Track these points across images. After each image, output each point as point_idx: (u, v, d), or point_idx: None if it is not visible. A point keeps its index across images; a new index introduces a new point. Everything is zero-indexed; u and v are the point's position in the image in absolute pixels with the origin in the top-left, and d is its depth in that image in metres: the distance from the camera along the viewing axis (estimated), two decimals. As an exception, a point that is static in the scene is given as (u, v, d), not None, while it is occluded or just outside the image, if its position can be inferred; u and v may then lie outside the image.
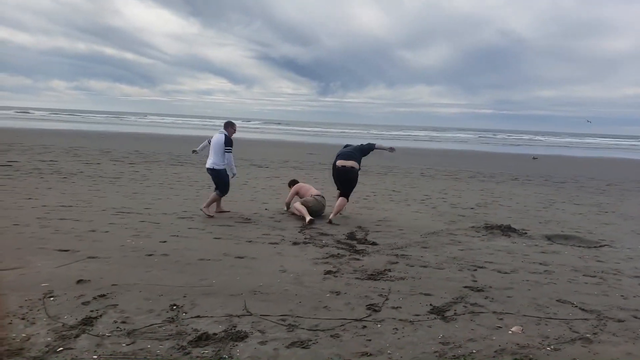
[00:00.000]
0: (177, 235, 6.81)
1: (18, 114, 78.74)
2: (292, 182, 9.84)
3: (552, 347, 3.71)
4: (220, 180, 8.47)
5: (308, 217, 8.13)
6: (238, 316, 4.08)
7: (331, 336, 3.76)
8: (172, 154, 20.72)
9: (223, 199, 8.79)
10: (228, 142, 8.45)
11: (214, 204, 8.59)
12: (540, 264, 6.21)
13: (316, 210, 8.63)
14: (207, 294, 4.57)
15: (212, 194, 8.49)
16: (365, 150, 8.88)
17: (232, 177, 8.73)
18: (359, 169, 8.65)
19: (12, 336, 3.52)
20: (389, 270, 5.58)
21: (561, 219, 9.56)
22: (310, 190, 9.13)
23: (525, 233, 8.02)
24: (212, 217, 8.18)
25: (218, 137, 8.51)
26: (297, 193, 9.27)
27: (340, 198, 8.56)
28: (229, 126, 8.68)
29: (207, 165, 8.54)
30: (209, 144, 8.71)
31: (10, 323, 3.73)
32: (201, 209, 8.27)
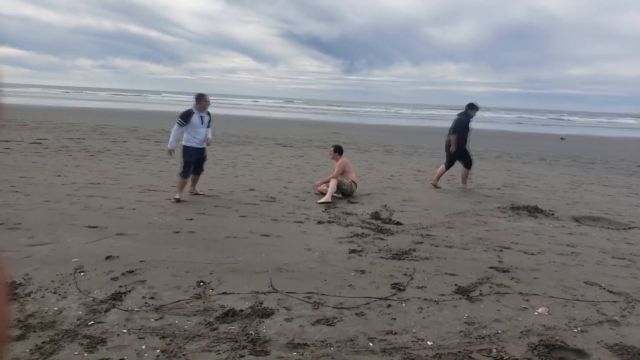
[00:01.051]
0: (204, 213, 6.89)
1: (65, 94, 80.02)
2: (338, 150, 9.08)
3: (579, 329, 3.67)
4: (182, 157, 7.72)
5: (328, 199, 8.10)
6: (264, 293, 4.13)
7: (356, 314, 3.78)
8: (196, 132, 20.85)
9: (203, 178, 8.39)
10: (180, 113, 7.63)
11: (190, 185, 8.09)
12: (568, 245, 6.11)
13: (346, 194, 8.61)
14: (233, 271, 4.62)
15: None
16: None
17: (170, 154, 7.87)
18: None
19: (45, 309, 3.62)
20: (414, 250, 5.56)
21: (589, 200, 9.37)
22: (352, 173, 8.85)
23: (553, 214, 7.89)
24: (177, 197, 7.56)
25: None
26: (343, 169, 8.76)
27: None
28: (197, 100, 7.79)
29: None
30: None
31: (43, 297, 3.85)
32: (175, 198, 7.58)
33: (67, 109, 35.12)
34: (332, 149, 9.13)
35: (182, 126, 7.59)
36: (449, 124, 10.78)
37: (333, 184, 8.38)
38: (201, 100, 7.74)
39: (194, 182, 8.15)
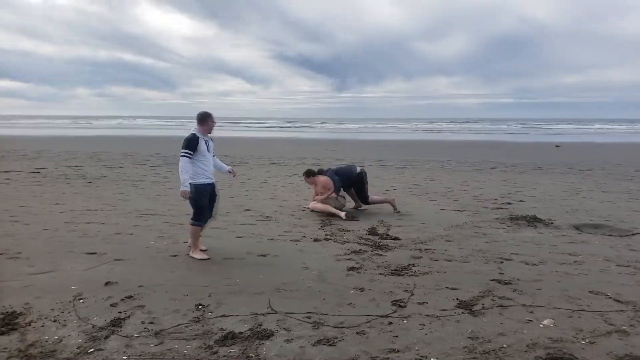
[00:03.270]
0: (200, 235, 6.84)
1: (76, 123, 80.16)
2: (309, 173, 8.84)
3: (587, 340, 3.62)
4: (192, 200, 5.84)
5: (342, 213, 8.24)
6: (263, 314, 4.09)
7: (357, 333, 3.73)
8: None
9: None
10: (185, 142, 5.72)
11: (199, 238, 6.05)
12: (570, 254, 6.08)
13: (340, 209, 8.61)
14: (231, 293, 4.59)
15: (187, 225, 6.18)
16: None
17: (186, 197, 5.76)
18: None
19: (45, 338, 3.58)
20: (413, 265, 5.53)
21: (589, 208, 9.36)
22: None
23: (552, 223, 7.87)
24: (203, 257, 5.85)
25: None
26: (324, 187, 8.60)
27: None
28: (203, 120, 5.90)
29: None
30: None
31: (43, 325, 3.80)
32: (190, 255, 5.90)
33: (65, 138, 35.20)
34: (304, 176, 8.96)
35: (190, 157, 5.73)
36: (442, 136, 10.79)
37: (323, 209, 8.44)
38: (208, 120, 5.91)
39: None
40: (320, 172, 8.92)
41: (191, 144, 5.71)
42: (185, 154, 5.68)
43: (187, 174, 5.70)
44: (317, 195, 8.71)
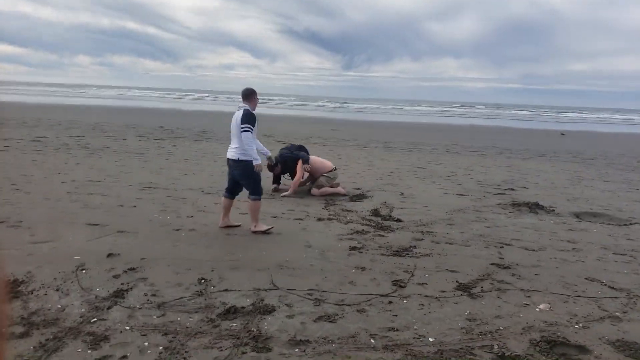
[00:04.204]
0: (204, 211, 6.89)
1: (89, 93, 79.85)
2: (277, 162, 8.67)
3: (580, 325, 3.68)
4: (246, 176, 5.84)
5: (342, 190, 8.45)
6: (265, 290, 4.13)
7: (357, 311, 3.79)
8: (195, 129, 20.86)
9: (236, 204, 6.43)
10: (245, 117, 5.72)
11: (228, 213, 6.18)
12: (568, 241, 6.12)
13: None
14: (234, 268, 4.63)
15: (249, 203, 5.97)
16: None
17: (260, 167, 5.88)
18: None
19: (48, 307, 3.63)
20: (414, 247, 5.56)
21: (590, 196, 9.38)
22: (324, 164, 8.71)
23: (553, 210, 7.89)
24: (269, 230, 5.96)
25: (237, 114, 5.86)
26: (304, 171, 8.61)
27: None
28: (250, 97, 5.96)
29: (229, 155, 5.90)
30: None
31: (46, 294, 3.85)
32: (253, 231, 5.93)
33: (66, 107, 35.07)
34: (275, 168, 8.72)
35: (252, 132, 5.75)
36: (449, 120, 10.73)
37: (320, 191, 8.48)
38: (256, 96, 6.01)
39: (230, 208, 6.23)
40: (283, 159, 8.70)
41: (252, 119, 5.77)
42: (249, 129, 5.70)
43: (254, 147, 5.81)
44: (301, 178, 8.63)
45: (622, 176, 12.61)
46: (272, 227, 5.98)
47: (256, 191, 5.89)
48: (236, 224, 6.19)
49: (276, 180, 8.90)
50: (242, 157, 5.74)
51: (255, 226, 5.94)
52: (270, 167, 8.58)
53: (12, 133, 15.49)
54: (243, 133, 5.67)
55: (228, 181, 6.08)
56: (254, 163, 5.75)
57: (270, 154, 6.82)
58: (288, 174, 8.82)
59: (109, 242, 5.25)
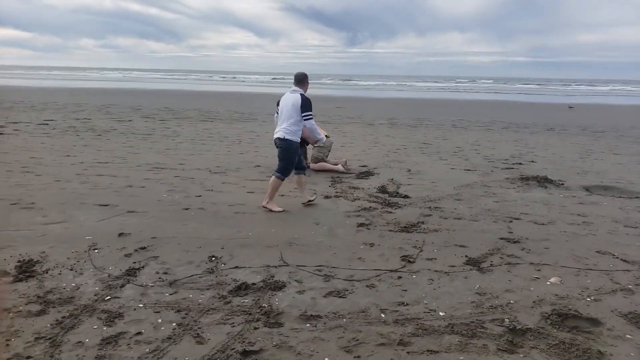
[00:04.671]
0: (212, 190, 6.92)
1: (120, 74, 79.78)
2: None
3: (592, 297, 3.68)
4: (289, 155, 6.03)
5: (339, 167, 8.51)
6: (275, 267, 4.16)
7: (367, 286, 3.81)
8: (200, 110, 20.82)
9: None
10: (306, 105, 5.95)
11: (303, 188, 6.37)
12: (579, 215, 6.10)
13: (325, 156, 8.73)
14: (244, 246, 4.66)
15: (271, 179, 6.06)
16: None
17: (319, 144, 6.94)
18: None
19: (63, 285, 3.68)
20: (423, 223, 5.57)
21: (600, 170, 9.31)
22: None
23: (562, 184, 7.85)
24: (280, 210, 6.00)
25: (291, 97, 6.01)
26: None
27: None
28: (303, 81, 6.16)
29: (277, 134, 6.03)
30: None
31: (60, 274, 3.90)
32: (263, 206, 6.06)
33: (71, 90, 35.08)
34: None
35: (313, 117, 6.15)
36: (455, 95, 10.65)
37: (322, 166, 8.69)
38: (307, 80, 6.25)
39: (303, 184, 6.39)
40: None
41: (310, 105, 6.05)
42: (311, 116, 6.05)
43: (319, 130, 6.48)
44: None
45: (632, 149, 12.50)
46: (283, 210, 6.00)
47: (284, 171, 6.04)
48: (312, 198, 6.38)
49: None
50: (287, 137, 5.95)
51: (267, 202, 6.04)
52: None
53: (21, 117, 15.56)
54: (307, 120, 6.01)
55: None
56: (319, 138, 6.73)
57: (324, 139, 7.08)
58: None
59: (119, 222, 5.29)
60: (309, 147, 8.82)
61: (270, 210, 5.96)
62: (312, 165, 8.61)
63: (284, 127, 5.96)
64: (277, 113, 6.32)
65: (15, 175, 7.34)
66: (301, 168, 6.27)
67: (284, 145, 5.98)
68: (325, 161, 8.62)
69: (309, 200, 6.30)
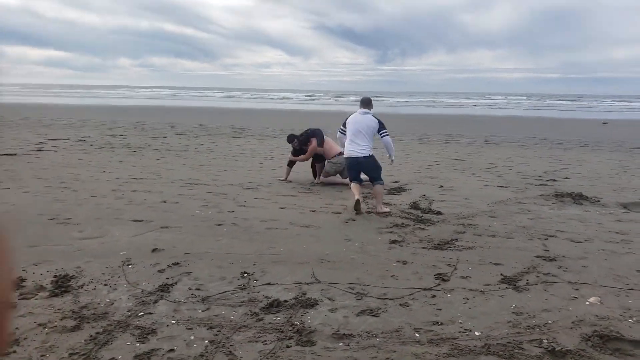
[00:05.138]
0: (244, 205, 6.97)
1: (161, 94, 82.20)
2: (289, 139, 9.50)
3: (634, 319, 3.54)
4: (376, 164, 6.95)
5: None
6: (307, 284, 4.15)
7: (400, 305, 3.75)
8: (234, 127, 21.10)
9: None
10: (382, 124, 7.01)
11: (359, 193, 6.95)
12: (617, 232, 5.90)
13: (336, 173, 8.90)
14: (275, 262, 4.67)
15: (376, 188, 6.83)
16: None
17: (391, 164, 7.75)
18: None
19: (97, 301, 3.74)
20: (456, 240, 5.48)
21: (637, 186, 9.02)
22: (332, 148, 8.96)
23: (598, 201, 7.64)
24: (388, 212, 6.72)
25: (364, 118, 6.95)
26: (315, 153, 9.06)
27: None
28: (370, 103, 7.22)
29: (359, 153, 6.86)
30: (344, 133, 7.28)
31: (95, 289, 3.97)
32: (377, 213, 6.69)
33: (109, 107, 36.10)
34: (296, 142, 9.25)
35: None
36: (486, 111, 10.52)
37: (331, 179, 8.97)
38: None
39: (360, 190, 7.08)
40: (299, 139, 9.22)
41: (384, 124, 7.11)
42: (388, 133, 7.14)
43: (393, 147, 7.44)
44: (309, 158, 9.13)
45: (672, 165, 12.08)
46: (389, 211, 6.75)
47: (381, 178, 6.95)
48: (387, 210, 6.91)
49: (315, 174, 9.23)
50: (370, 152, 6.92)
51: (380, 208, 6.76)
52: (290, 138, 9.32)
53: (60, 133, 16.06)
54: (385, 137, 7.05)
55: (352, 173, 7.07)
56: (393, 158, 7.51)
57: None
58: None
59: (153, 238, 5.37)
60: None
61: (382, 213, 6.65)
62: (321, 178, 8.94)
63: (365, 146, 6.85)
64: (342, 132, 7.36)
65: (54, 191, 7.55)
66: (359, 180, 7.08)
67: (370, 160, 6.88)
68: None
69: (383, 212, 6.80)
